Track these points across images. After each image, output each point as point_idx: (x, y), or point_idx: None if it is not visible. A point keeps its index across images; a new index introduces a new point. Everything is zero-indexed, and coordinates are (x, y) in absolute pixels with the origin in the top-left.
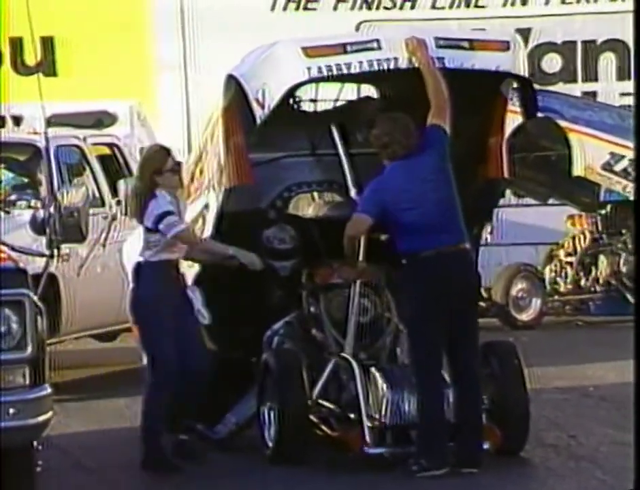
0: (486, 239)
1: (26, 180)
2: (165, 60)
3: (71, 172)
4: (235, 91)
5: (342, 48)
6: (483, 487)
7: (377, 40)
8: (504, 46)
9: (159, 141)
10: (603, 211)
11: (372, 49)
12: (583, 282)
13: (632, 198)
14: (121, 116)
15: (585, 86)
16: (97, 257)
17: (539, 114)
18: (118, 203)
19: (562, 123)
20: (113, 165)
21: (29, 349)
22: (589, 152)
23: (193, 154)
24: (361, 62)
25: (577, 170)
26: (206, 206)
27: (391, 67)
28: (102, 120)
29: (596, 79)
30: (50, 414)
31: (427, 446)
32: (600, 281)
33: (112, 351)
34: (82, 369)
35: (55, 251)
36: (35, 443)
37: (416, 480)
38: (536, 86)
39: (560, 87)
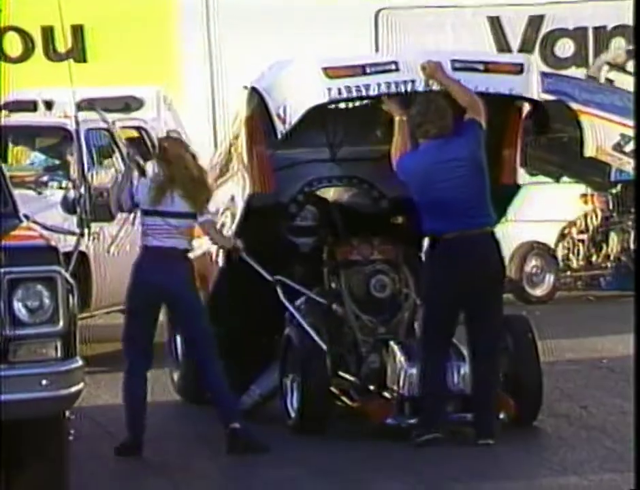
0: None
1: (57, 162)
2: (191, 47)
3: (101, 154)
4: (258, 103)
5: (362, 70)
6: (497, 457)
7: (395, 62)
8: (518, 69)
9: (185, 125)
10: (614, 191)
11: (390, 71)
12: (594, 259)
13: None
14: (148, 100)
15: None
16: (125, 235)
17: (552, 97)
18: None
19: (574, 106)
20: (140, 147)
21: (61, 323)
22: (600, 134)
23: (220, 148)
24: (379, 84)
25: (589, 151)
26: (232, 198)
27: (409, 88)
28: (130, 104)
29: None
30: (81, 385)
31: (425, 416)
32: (611, 257)
33: None
34: (111, 343)
35: (85, 230)
36: (66, 413)
37: (431, 450)
38: (549, 70)
39: (572, 71)
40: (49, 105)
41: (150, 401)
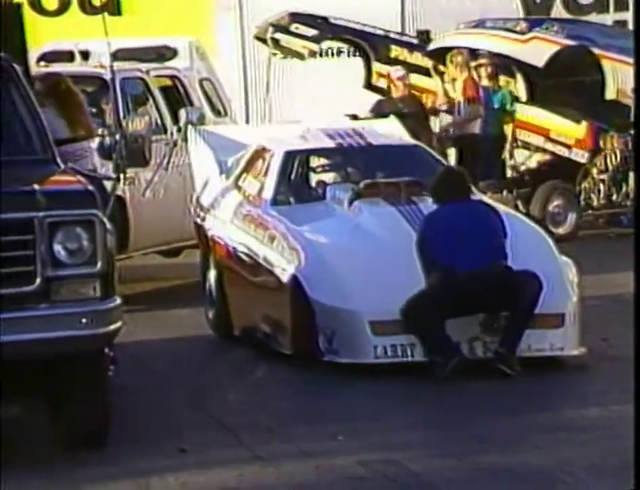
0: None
1: (94, 110)
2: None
3: (135, 102)
4: None
5: None
6: (520, 389)
7: None
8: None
9: (217, 74)
10: (633, 132)
11: None
12: (614, 197)
13: None
14: (181, 50)
15: (617, 16)
16: (160, 180)
17: (574, 42)
18: (179, 130)
19: (596, 50)
20: (174, 95)
21: (99, 264)
22: (621, 77)
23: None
24: None
25: (610, 94)
26: None
27: None
28: (164, 54)
29: (626, 9)
30: (119, 323)
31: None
32: (631, 196)
33: (176, 266)
34: (148, 282)
35: (121, 175)
36: (106, 349)
37: (452, 384)
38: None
39: (594, 17)
40: (85, 55)
41: (187, 337)
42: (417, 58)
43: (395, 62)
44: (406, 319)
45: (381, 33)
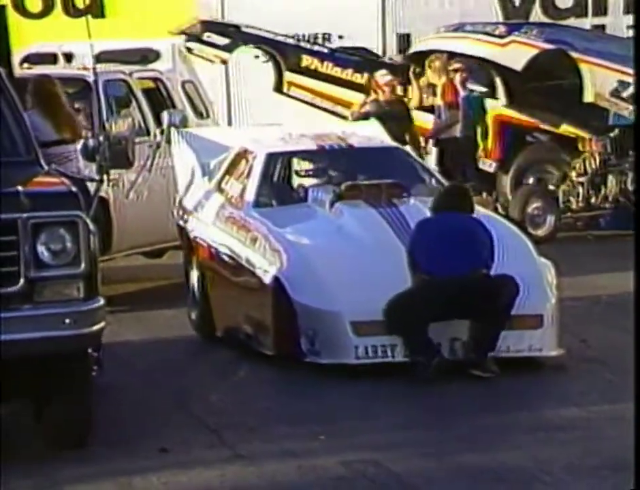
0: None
1: (77, 111)
2: (204, 1)
3: (119, 104)
4: None
5: None
6: (499, 390)
7: None
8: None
9: (199, 75)
10: (612, 134)
11: None
12: (593, 200)
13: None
14: (164, 52)
15: (595, 20)
16: (143, 182)
17: (552, 46)
18: (162, 132)
19: (574, 54)
20: (157, 97)
21: (82, 265)
22: (599, 80)
23: None
24: None
25: (588, 97)
26: None
27: None
28: (146, 56)
29: (604, 14)
30: (102, 323)
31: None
32: (609, 198)
33: (159, 267)
34: (132, 283)
35: (105, 176)
36: (90, 350)
37: (433, 384)
38: (551, 21)
39: (572, 21)
40: (69, 57)
41: (170, 338)
42: (328, 68)
43: (306, 71)
44: (388, 319)
45: (292, 42)
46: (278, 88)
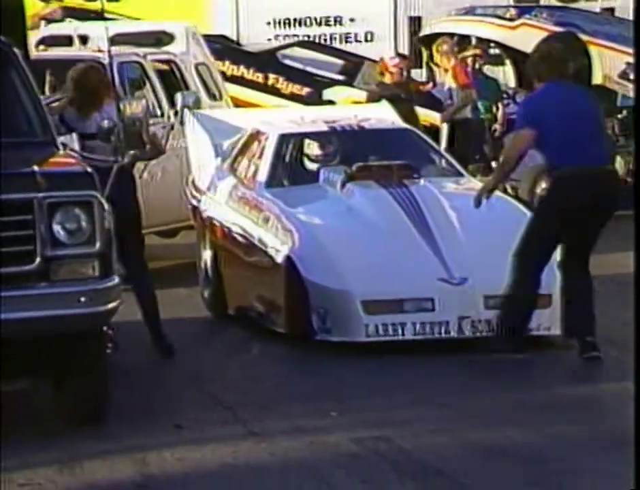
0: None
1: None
2: None
3: (133, 86)
4: None
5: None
6: (511, 366)
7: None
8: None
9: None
10: (619, 116)
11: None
12: None
13: None
14: (178, 35)
15: (604, 3)
16: (157, 162)
17: (562, 29)
18: (176, 113)
19: (583, 37)
20: (170, 79)
21: (98, 244)
22: (608, 63)
23: None
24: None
25: (596, 79)
26: None
27: None
28: (161, 39)
29: None
30: (117, 301)
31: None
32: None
33: (173, 246)
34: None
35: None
36: (104, 327)
37: (438, 361)
38: (561, 4)
39: (582, 4)
40: (84, 40)
41: (183, 317)
42: (234, 70)
43: None
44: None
45: None
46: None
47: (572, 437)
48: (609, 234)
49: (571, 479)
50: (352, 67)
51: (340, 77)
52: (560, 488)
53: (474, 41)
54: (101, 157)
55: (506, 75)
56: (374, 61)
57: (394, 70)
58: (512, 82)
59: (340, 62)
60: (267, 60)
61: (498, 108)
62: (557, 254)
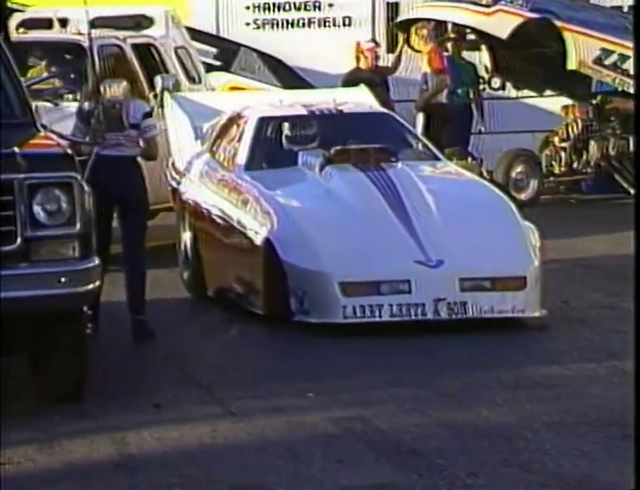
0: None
1: (72, 76)
2: None
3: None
4: None
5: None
6: (485, 346)
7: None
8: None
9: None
10: (594, 101)
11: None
12: (575, 165)
13: (619, 89)
14: (157, 19)
15: None
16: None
17: (537, 15)
18: (155, 96)
19: (558, 23)
20: (150, 62)
21: (78, 225)
22: (582, 48)
23: None
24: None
25: (571, 64)
26: None
27: None
28: (140, 22)
29: None
30: (97, 282)
31: None
32: (591, 163)
33: (152, 228)
34: None
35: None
36: (84, 308)
37: (418, 342)
38: None
39: None
40: (64, 22)
41: (162, 297)
42: None
43: None
44: None
45: None
46: None
47: (545, 417)
48: (580, 218)
49: (543, 458)
50: (228, 53)
51: (217, 63)
52: (532, 467)
53: (450, 27)
54: (80, 138)
55: (482, 60)
56: (250, 49)
57: (368, 54)
58: (487, 67)
59: (213, 49)
60: None
61: (475, 93)
62: (531, 236)
